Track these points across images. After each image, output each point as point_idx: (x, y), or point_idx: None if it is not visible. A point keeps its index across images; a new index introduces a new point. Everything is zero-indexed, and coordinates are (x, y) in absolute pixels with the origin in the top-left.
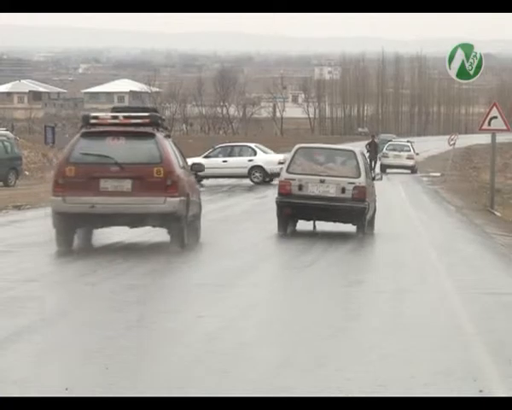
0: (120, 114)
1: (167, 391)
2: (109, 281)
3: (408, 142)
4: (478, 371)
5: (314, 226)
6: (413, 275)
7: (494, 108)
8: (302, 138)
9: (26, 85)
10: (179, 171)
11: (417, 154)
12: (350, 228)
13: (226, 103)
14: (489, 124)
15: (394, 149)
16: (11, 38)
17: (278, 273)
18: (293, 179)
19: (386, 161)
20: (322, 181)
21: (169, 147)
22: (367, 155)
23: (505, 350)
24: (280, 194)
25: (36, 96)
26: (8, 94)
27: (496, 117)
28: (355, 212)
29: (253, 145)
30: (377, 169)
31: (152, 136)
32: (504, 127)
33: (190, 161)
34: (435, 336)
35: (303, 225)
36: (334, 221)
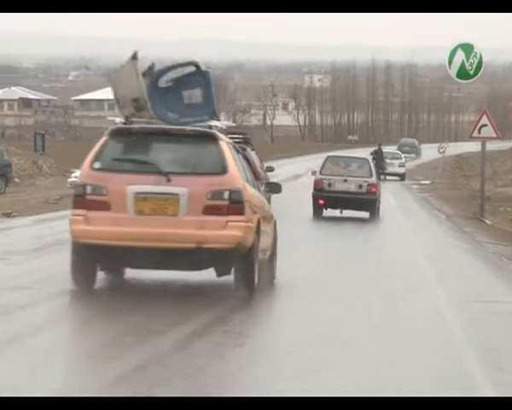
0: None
1: None
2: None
3: (398, 150)
4: (470, 379)
5: (341, 211)
6: (403, 283)
7: (484, 116)
8: (292, 146)
9: (16, 93)
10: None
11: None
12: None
13: (216, 111)
14: (479, 132)
15: (386, 158)
16: (1, 45)
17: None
18: (325, 179)
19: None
20: (345, 180)
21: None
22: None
23: (497, 359)
24: (315, 189)
25: (26, 103)
26: None
27: (486, 125)
28: (369, 202)
29: None
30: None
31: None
32: (494, 135)
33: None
34: (427, 344)
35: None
36: (354, 209)
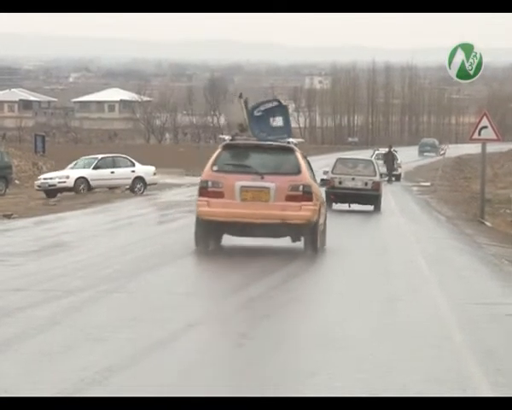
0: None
1: None
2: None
3: (394, 151)
4: (468, 380)
5: (349, 206)
6: (403, 285)
7: (484, 118)
8: None
9: (17, 94)
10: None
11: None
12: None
13: (216, 112)
14: (479, 134)
15: (381, 158)
16: (1, 47)
17: None
18: (336, 178)
19: None
20: (353, 179)
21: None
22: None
23: (495, 360)
24: (327, 187)
25: (26, 104)
26: None
27: (486, 127)
28: (373, 197)
29: (128, 157)
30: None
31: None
32: (494, 137)
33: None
34: (426, 345)
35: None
36: (360, 203)
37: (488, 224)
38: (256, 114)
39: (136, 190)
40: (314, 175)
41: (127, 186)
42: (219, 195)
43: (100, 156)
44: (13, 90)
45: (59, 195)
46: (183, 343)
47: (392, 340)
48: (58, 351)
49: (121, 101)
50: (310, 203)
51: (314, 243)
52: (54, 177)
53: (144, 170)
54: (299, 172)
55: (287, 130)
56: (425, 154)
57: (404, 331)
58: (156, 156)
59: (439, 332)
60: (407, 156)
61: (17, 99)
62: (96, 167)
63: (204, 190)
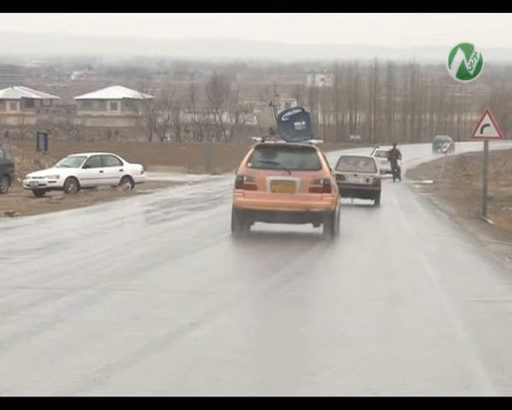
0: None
1: None
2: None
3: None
4: (470, 379)
5: (352, 200)
6: (405, 283)
7: (486, 116)
8: None
9: (19, 92)
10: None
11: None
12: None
13: (219, 110)
14: (481, 131)
15: (381, 156)
16: (3, 45)
17: None
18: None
19: None
20: (355, 175)
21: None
22: (383, 159)
23: (497, 358)
24: None
25: (28, 102)
26: (1, 101)
27: (488, 125)
28: (374, 192)
29: (115, 155)
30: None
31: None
32: (497, 135)
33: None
34: (428, 344)
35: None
36: (362, 198)
37: (490, 221)
38: (283, 119)
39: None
40: (331, 170)
41: (108, 187)
42: (253, 187)
43: (89, 155)
44: (15, 87)
45: (47, 193)
46: (188, 341)
47: (393, 337)
48: (60, 349)
49: (123, 99)
50: (329, 194)
51: (332, 227)
52: (43, 176)
53: (132, 168)
54: (320, 168)
55: (309, 133)
56: (438, 150)
57: (405, 329)
58: (158, 154)
59: (441, 330)
60: (409, 155)
61: (19, 97)
62: (85, 166)
63: (240, 184)
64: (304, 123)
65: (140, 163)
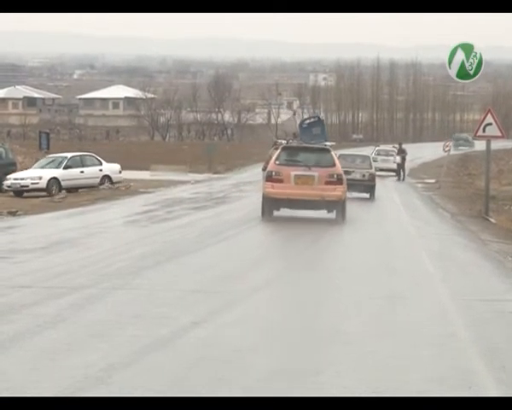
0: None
1: None
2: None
3: (394, 147)
4: (472, 378)
5: (350, 193)
6: (407, 281)
7: (489, 115)
8: None
9: (21, 91)
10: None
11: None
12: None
13: (221, 109)
14: (484, 131)
15: (381, 154)
16: (5, 44)
17: None
18: None
19: (376, 165)
20: (352, 171)
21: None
22: (384, 158)
23: (499, 357)
24: None
25: (30, 102)
26: (3, 100)
27: (490, 124)
28: (369, 187)
29: (94, 154)
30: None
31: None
32: (499, 134)
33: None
34: (429, 343)
35: None
36: (358, 192)
37: (492, 220)
38: (303, 126)
39: (102, 188)
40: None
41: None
42: (280, 180)
43: (69, 155)
44: (17, 87)
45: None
46: (191, 340)
47: (395, 336)
48: (62, 348)
49: (125, 98)
50: (341, 186)
51: (343, 213)
52: (25, 177)
53: (110, 168)
54: (333, 165)
55: (324, 137)
56: (459, 148)
57: (406, 328)
58: (160, 153)
59: (443, 329)
60: (411, 154)
61: (21, 96)
62: (66, 167)
63: (270, 177)
64: (320, 129)
65: (142, 162)
